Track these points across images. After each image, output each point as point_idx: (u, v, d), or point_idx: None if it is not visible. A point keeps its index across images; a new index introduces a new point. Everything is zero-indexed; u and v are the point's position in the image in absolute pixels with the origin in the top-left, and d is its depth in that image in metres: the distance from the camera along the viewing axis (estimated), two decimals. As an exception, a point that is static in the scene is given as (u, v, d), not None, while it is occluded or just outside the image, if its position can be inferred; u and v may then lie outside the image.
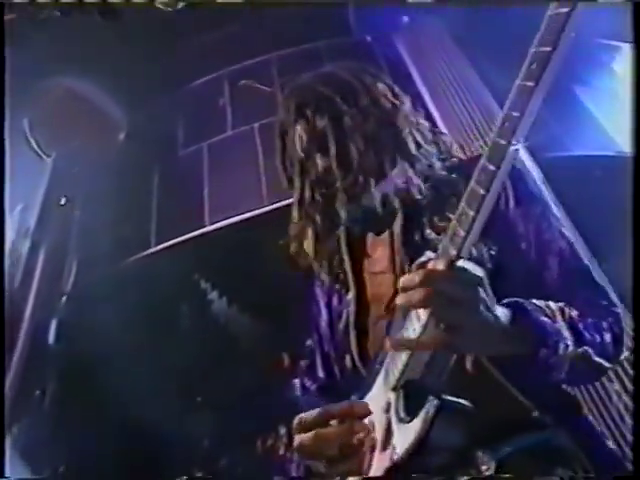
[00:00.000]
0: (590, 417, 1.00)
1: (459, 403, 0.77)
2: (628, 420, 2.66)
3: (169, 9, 1.17)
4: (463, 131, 4.05)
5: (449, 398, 0.76)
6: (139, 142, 5.03)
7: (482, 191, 0.78)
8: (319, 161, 1.16)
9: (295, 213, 1.29)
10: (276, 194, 3.79)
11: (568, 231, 1.15)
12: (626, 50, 5.55)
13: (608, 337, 0.96)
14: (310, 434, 0.89)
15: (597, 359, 0.95)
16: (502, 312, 0.84)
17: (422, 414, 0.75)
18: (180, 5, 1.16)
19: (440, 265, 0.78)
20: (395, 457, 0.76)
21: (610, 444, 0.95)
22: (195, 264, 4.18)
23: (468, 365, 0.80)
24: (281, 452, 5.94)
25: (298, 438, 0.92)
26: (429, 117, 4.20)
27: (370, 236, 1.22)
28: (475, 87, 4.39)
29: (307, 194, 1.25)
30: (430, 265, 0.80)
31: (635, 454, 1.49)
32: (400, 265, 1.11)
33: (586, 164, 3.90)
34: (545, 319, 0.89)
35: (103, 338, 4.03)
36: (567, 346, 0.88)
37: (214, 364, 5.71)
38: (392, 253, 1.16)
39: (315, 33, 4.83)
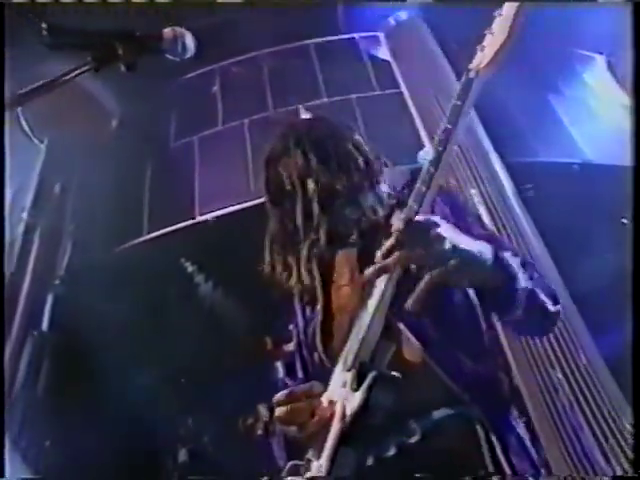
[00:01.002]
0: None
1: (392, 374, 0.99)
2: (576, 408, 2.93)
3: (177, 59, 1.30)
4: (436, 129, 4.28)
5: (385, 371, 1.00)
6: (131, 132, 5.17)
7: (440, 148, 1.01)
8: (309, 186, 1.34)
9: (267, 244, 1.42)
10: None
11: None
12: (599, 62, 5.81)
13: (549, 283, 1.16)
14: (285, 407, 1.14)
15: (543, 298, 1.10)
16: (485, 247, 1.01)
17: (364, 383, 1.00)
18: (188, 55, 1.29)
19: (401, 224, 0.95)
20: (346, 420, 1.01)
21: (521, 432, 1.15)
22: (185, 252, 4.38)
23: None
24: (260, 431, 6.23)
25: (277, 411, 1.17)
26: (409, 117, 4.44)
27: (339, 252, 1.38)
28: (452, 90, 4.60)
29: (287, 215, 1.37)
30: (394, 225, 0.98)
31: (635, 454, 1.60)
32: (357, 277, 1.28)
33: (552, 170, 4.18)
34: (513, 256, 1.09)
35: (93, 321, 4.24)
36: (523, 281, 1.04)
37: (200, 346, 5.95)
38: (352, 268, 1.34)
39: (305, 31, 4.99)
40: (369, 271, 1.00)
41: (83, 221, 4.61)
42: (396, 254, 0.95)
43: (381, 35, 5.06)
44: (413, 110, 4.45)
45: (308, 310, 1.36)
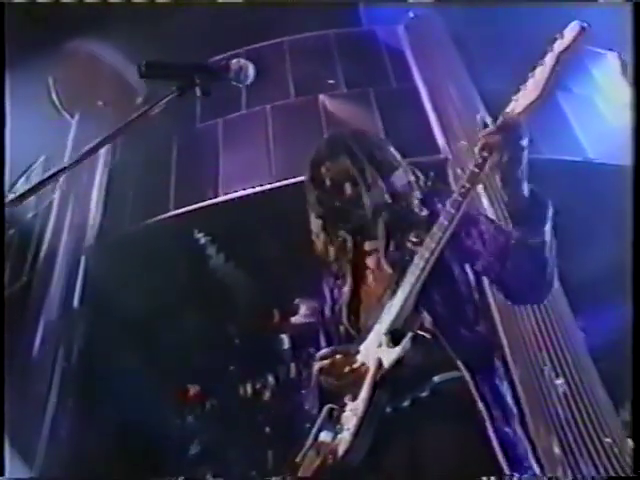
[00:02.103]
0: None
1: (423, 335, 1.32)
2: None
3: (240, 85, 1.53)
4: (450, 128, 4.51)
5: (418, 332, 1.33)
6: (159, 112, 5.40)
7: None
8: (345, 190, 1.58)
9: (315, 225, 1.68)
10: (283, 172, 4.27)
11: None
12: (611, 59, 5.95)
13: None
14: (327, 361, 1.45)
15: (551, 261, 1.36)
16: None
17: (406, 339, 1.31)
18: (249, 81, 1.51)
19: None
20: (383, 371, 1.33)
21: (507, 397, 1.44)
22: (206, 229, 4.66)
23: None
24: (266, 397, 6.62)
25: (319, 364, 1.48)
26: (422, 112, 4.66)
27: (366, 243, 1.61)
28: (465, 87, 4.80)
29: (329, 212, 1.61)
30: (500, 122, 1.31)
31: (635, 454, 1.84)
32: (383, 266, 1.53)
33: (554, 167, 4.40)
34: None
35: (118, 289, 4.58)
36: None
37: (210, 316, 6.30)
38: (378, 257, 1.57)
39: (327, 21, 5.17)
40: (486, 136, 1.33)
41: (112, 194, 4.90)
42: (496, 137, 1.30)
43: (400, 28, 5.24)
44: (427, 104, 4.67)
45: (336, 291, 1.63)
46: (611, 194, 4.86)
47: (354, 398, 1.35)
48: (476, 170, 1.34)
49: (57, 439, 4.21)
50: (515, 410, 1.40)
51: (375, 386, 1.32)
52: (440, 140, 4.41)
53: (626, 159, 4.91)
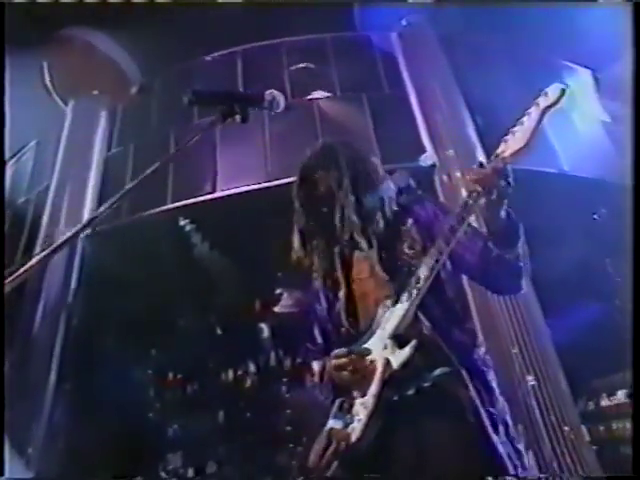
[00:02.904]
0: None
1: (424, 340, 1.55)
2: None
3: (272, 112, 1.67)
4: (437, 136, 4.76)
5: (419, 340, 1.54)
6: (151, 99, 5.50)
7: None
8: (338, 197, 1.70)
9: (296, 239, 1.82)
10: (277, 172, 4.44)
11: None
12: (585, 76, 6.30)
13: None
14: (344, 359, 1.63)
15: (523, 264, 1.62)
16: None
17: (410, 345, 1.53)
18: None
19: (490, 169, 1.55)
20: (392, 370, 1.57)
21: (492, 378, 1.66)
22: (203, 227, 4.80)
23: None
24: (248, 384, 6.83)
25: (335, 362, 1.66)
26: (412, 118, 4.88)
27: (356, 252, 1.79)
28: (452, 95, 5.04)
29: (312, 221, 1.78)
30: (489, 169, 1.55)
31: (635, 454, 1.80)
32: (378, 273, 1.72)
33: (531, 178, 4.68)
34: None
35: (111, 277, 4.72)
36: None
37: (194, 305, 6.46)
38: (372, 265, 1.76)
39: (323, 25, 5.34)
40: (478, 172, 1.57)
41: (109, 183, 5.00)
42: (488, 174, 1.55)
43: (393, 35, 5.44)
44: (417, 111, 4.91)
45: (330, 295, 1.79)
46: (581, 204, 5.23)
47: (363, 393, 1.56)
48: (470, 202, 1.57)
49: (53, 425, 4.35)
50: (499, 393, 1.67)
51: (384, 383, 1.55)
52: (428, 147, 4.65)
53: (597, 172, 5.28)
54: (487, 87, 5.17)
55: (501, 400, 1.59)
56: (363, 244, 1.75)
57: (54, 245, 1.23)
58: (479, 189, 1.56)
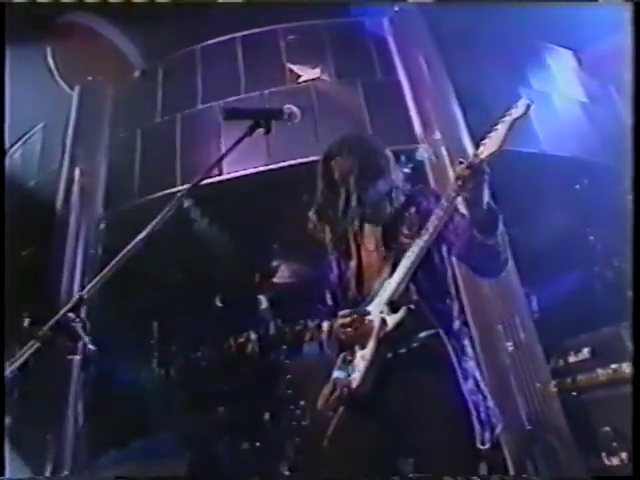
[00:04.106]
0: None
1: (413, 306, 1.90)
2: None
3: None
4: (427, 120, 5.07)
5: (409, 307, 1.91)
6: (154, 84, 5.73)
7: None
8: (350, 180, 2.06)
9: (313, 212, 2.19)
10: (278, 156, 4.75)
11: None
12: (567, 57, 6.57)
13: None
14: (348, 318, 1.95)
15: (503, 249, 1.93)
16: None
17: (403, 309, 1.88)
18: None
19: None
20: (386, 329, 1.89)
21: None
22: (203, 204, 5.07)
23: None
24: (249, 349, 7.21)
25: (341, 320, 1.96)
26: (404, 104, 5.19)
27: (366, 226, 2.16)
28: (441, 81, 5.33)
29: (340, 204, 2.11)
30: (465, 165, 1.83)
31: (635, 454, 1.93)
32: (381, 248, 2.08)
33: (513, 158, 5.01)
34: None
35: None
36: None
37: (195, 279, 6.78)
38: (377, 240, 2.12)
39: (319, 11, 5.56)
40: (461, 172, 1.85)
41: (117, 167, 5.28)
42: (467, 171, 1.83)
43: (385, 21, 5.68)
44: (408, 96, 5.21)
45: (342, 263, 2.15)
46: (561, 182, 5.60)
47: (363, 347, 1.94)
48: (453, 194, 1.92)
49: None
50: (472, 354, 2.03)
51: (380, 341, 1.91)
52: (418, 131, 4.99)
53: (575, 151, 5.64)
54: (474, 72, 5.48)
55: (472, 361, 1.99)
56: (370, 223, 2.11)
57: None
58: (460, 183, 1.86)
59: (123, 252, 1.51)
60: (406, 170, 2.64)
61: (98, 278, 1.45)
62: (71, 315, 1.36)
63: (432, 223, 1.94)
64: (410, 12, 5.64)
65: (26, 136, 6.37)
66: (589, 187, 5.71)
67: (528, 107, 1.89)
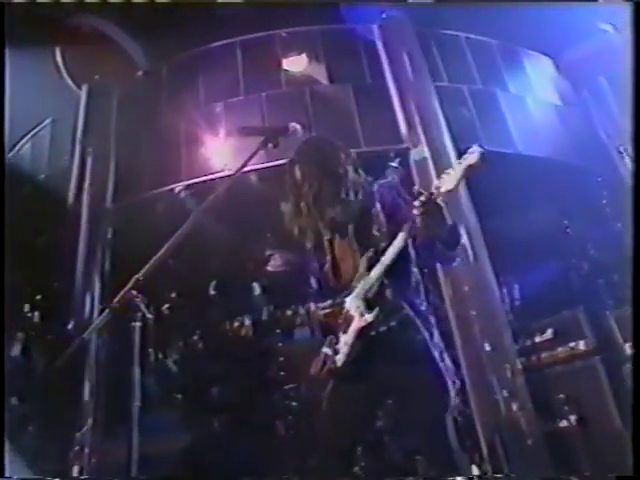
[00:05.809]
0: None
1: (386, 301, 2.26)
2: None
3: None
4: (412, 121, 5.47)
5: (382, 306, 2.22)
6: (157, 84, 6.08)
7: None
8: (314, 185, 2.25)
9: (289, 210, 2.38)
10: (275, 155, 5.11)
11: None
12: (545, 63, 6.98)
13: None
14: (329, 310, 2.26)
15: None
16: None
17: (374, 311, 2.17)
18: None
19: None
20: (363, 322, 2.18)
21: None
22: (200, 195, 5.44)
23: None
24: (243, 333, 7.58)
25: (323, 312, 2.31)
26: (390, 106, 5.59)
27: (337, 222, 2.33)
28: (424, 84, 5.73)
29: (304, 204, 2.31)
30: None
31: (635, 454, 2.09)
32: (353, 244, 2.30)
33: (489, 157, 5.40)
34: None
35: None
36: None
37: (192, 267, 7.13)
38: (349, 237, 2.31)
39: (313, 18, 5.92)
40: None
41: (123, 163, 5.63)
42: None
43: (374, 27, 6.06)
44: (395, 98, 5.62)
45: (318, 256, 2.37)
46: (535, 181, 6.02)
47: (344, 333, 2.22)
48: (418, 219, 2.13)
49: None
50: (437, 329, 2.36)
51: (359, 330, 2.20)
52: (403, 131, 5.41)
53: (549, 152, 6.06)
54: (456, 77, 5.90)
55: (438, 339, 2.30)
56: (341, 220, 2.30)
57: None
58: (422, 211, 2.09)
59: (176, 235, 1.83)
60: (394, 165, 2.93)
61: (152, 262, 1.85)
62: (133, 292, 1.78)
63: (407, 233, 2.18)
64: (398, 18, 5.99)
65: (35, 130, 6.65)
66: (563, 186, 6.11)
67: (482, 156, 2.04)
